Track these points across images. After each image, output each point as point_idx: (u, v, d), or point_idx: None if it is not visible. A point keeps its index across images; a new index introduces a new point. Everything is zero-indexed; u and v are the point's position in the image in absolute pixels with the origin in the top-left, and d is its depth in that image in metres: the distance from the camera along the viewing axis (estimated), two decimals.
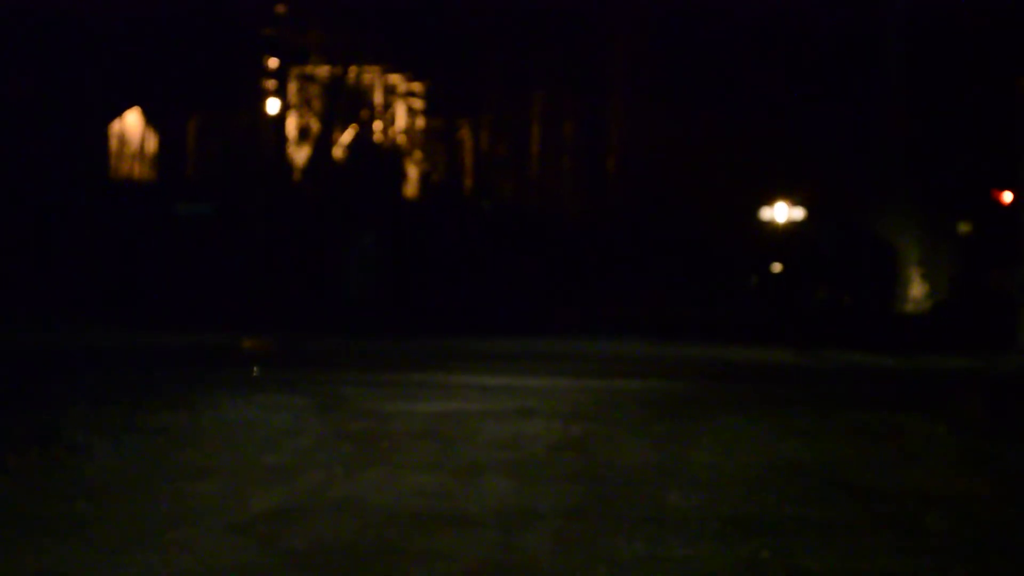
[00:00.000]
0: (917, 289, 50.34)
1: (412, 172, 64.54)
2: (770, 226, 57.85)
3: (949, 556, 9.87)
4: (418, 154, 65.24)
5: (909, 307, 52.66)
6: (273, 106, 55.74)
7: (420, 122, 66.87)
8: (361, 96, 61.38)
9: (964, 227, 47.83)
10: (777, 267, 61.75)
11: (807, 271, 56.86)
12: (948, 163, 49.57)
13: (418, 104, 66.36)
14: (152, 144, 56.10)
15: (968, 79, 48.67)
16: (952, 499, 11.98)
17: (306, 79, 61.35)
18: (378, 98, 63.01)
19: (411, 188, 64.05)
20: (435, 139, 65.85)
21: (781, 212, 56.13)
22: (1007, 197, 43.02)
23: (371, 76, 62.52)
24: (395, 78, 64.79)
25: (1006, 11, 46.16)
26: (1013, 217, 41.53)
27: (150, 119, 55.25)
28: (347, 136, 59.67)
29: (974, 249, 48.02)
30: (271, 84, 57.04)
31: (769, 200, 55.59)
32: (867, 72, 52.90)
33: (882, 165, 51.30)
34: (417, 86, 66.00)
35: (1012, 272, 38.89)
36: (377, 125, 62.76)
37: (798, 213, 56.45)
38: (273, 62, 56.75)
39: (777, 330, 43.26)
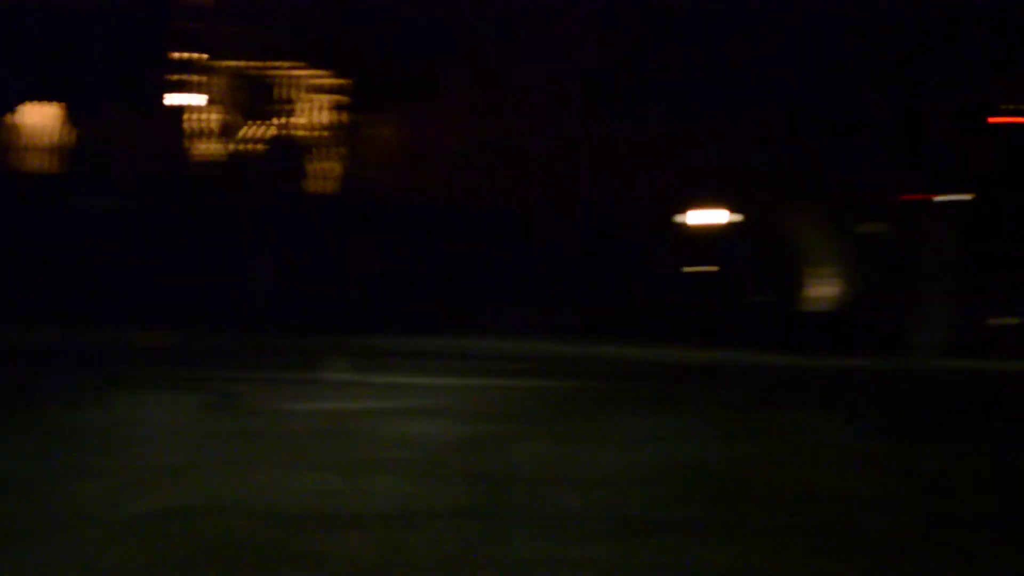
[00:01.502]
0: (820, 289, 50.68)
1: (325, 167, 64.34)
2: (691, 227, 58.28)
3: (847, 556, 9.82)
4: (331, 149, 65.06)
5: (812, 306, 53.06)
6: (183, 99, 55.28)
7: (334, 117, 66.72)
8: (273, 91, 61.08)
9: (869, 227, 48.25)
10: (699, 268, 62.31)
11: (728, 271, 57.33)
12: (855, 164, 49.99)
13: (332, 99, 66.20)
14: (60, 137, 55.50)
15: (876, 82, 49.10)
16: (848, 499, 11.97)
17: (222, 73, 60.96)
18: (291, 93, 62.74)
19: (330, 183, 63.84)
20: (348, 134, 65.73)
21: (702, 214, 56.57)
22: (912, 198, 43.42)
23: (285, 71, 62.24)
24: (314, 72, 64.59)
25: (923, 11, 46.58)
26: (917, 218, 41.94)
27: (58, 111, 54.64)
28: (258, 130, 59.30)
29: (879, 249, 48.47)
30: (181, 77, 56.58)
31: (690, 201, 55.97)
32: (774, 73, 53.26)
33: (789, 166, 51.66)
34: (331, 81, 65.84)
35: (916, 273, 39.31)
36: (289, 120, 62.49)
37: (719, 215, 56.91)
38: (183, 55, 56.28)
39: (686, 329, 43.48)
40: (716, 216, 55.69)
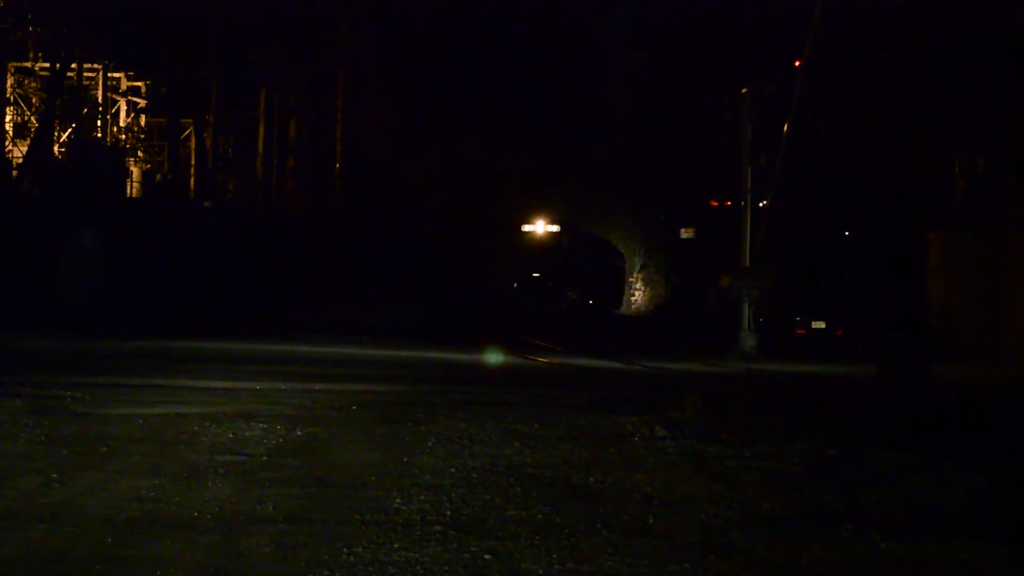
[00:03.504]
0: (641, 293, 51.40)
1: (135, 171, 63.43)
2: (529, 236, 58.71)
3: (668, 557, 10.06)
4: (141, 153, 64.18)
5: (633, 310, 53.72)
6: None
7: (143, 120, 65.84)
8: (82, 93, 60.07)
9: (686, 233, 49.01)
10: (536, 274, 62.85)
11: (560, 277, 57.86)
12: (674, 172, 50.74)
13: (141, 102, 65.32)
14: None
15: (693, 89, 49.84)
16: (671, 500, 12.21)
17: (24, 74, 59.80)
18: (100, 95, 61.76)
19: (134, 187, 62.94)
20: (159, 138, 64.93)
21: (538, 225, 57.04)
22: (721, 204, 44.21)
23: (93, 73, 61.26)
24: (117, 75, 63.62)
25: (730, 22, 47.38)
26: (735, 224, 42.65)
27: None
28: (67, 134, 58.30)
29: (698, 254, 49.27)
30: None
31: (528, 213, 56.40)
32: (596, 83, 53.82)
33: (612, 175, 52.25)
34: (140, 84, 64.94)
35: (735, 276, 39.87)
36: (99, 123, 61.52)
37: (551, 226, 57.41)
38: None
39: (511, 333, 43.80)
40: (542, 227, 56.26)
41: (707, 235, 48.20)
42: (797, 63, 40.73)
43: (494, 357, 33.24)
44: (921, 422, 18.41)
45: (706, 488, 12.87)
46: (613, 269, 54.54)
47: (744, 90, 41.75)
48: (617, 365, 31.97)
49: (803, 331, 42.24)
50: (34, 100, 59.66)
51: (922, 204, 20.57)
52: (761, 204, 42.18)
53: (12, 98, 58.82)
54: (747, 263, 40.67)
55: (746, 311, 39.25)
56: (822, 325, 42.23)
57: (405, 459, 14.06)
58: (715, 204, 44.75)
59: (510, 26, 53.91)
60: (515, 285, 65.25)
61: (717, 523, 11.27)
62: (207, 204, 59.99)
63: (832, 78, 42.20)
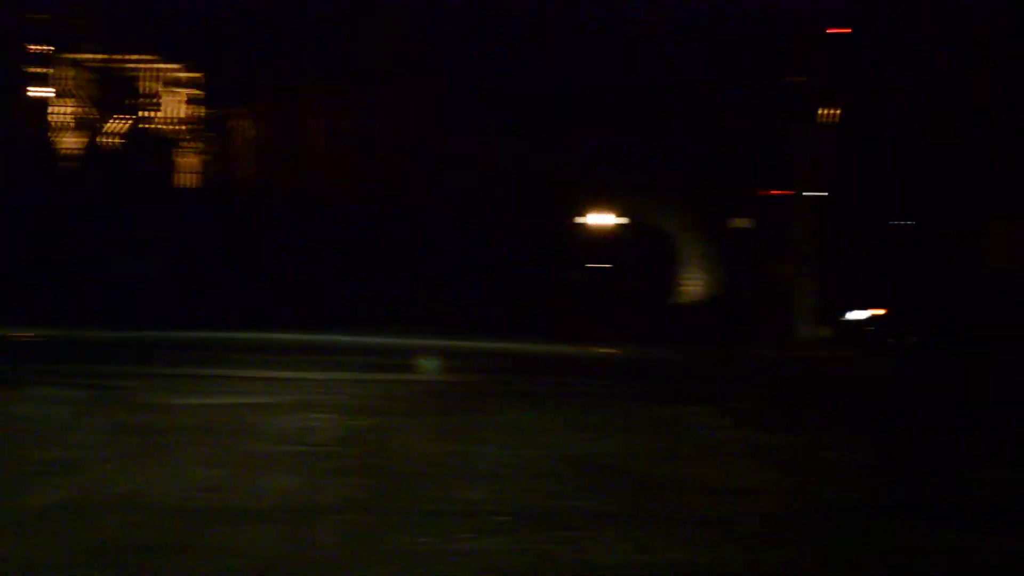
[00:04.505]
0: (694, 282, 51.25)
1: (186, 161, 63.68)
2: (589, 228, 58.72)
3: (735, 547, 9.99)
4: (192, 143, 64.42)
5: (686, 300, 53.55)
6: (42, 92, 54.53)
7: (194, 111, 66.05)
8: (133, 84, 60.38)
9: (741, 223, 48.82)
10: (597, 266, 62.92)
11: (619, 268, 57.80)
12: (725, 162, 50.55)
13: (193, 92, 65.53)
14: None
15: (739, 80, 49.66)
16: (736, 490, 12.15)
17: (76, 65, 60.12)
18: (150, 87, 62.03)
19: (185, 177, 63.19)
20: (209, 128, 65.12)
21: (597, 217, 57.04)
22: (779, 194, 44.02)
23: (143, 64, 61.53)
24: (169, 66, 63.88)
25: (777, 11, 47.18)
26: (786, 213, 42.51)
27: None
28: (118, 124, 58.59)
29: (753, 244, 49.08)
30: (40, 70, 55.77)
31: (587, 205, 56.37)
32: (646, 76, 53.65)
33: (664, 165, 52.14)
34: (191, 75, 65.15)
35: (789, 266, 39.81)
36: (150, 113, 61.80)
37: (611, 217, 57.40)
38: (41, 47, 55.47)
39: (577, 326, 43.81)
40: (601, 218, 56.26)
41: (762, 225, 48.01)
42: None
43: (554, 347, 33.24)
44: (989, 411, 18.29)
45: (771, 478, 12.82)
46: (668, 259, 54.43)
47: (798, 80, 41.58)
48: (672, 355, 31.89)
49: (861, 320, 41.97)
50: (87, 91, 59.98)
51: (986, 191, 20.45)
52: (818, 194, 42.01)
53: (65, 89, 59.15)
54: (803, 252, 40.53)
55: (803, 302, 39.15)
56: (880, 313, 41.94)
57: (469, 449, 14.07)
58: (770, 193, 44.55)
59: (563, 14, 53.81)
60: (575, 276, 65.28)
61: (782, 513, 11.20)
62: (259, 194, 60.15)
63: (896, 62, 41.99)
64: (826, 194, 42.86)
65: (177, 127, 64.08)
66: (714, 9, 51.56)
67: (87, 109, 58.74)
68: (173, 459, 12.99)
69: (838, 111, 41.48)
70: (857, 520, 10.95)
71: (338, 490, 11.65)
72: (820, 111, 41.99)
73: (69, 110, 60.04)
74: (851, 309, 39.61)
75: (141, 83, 62.02)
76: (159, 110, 62.80)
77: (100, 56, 56.89)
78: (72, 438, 14.13)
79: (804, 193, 41.27)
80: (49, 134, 54.99)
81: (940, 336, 33.40)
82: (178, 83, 65.03)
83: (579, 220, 58.27)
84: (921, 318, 34.60)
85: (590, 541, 10.02)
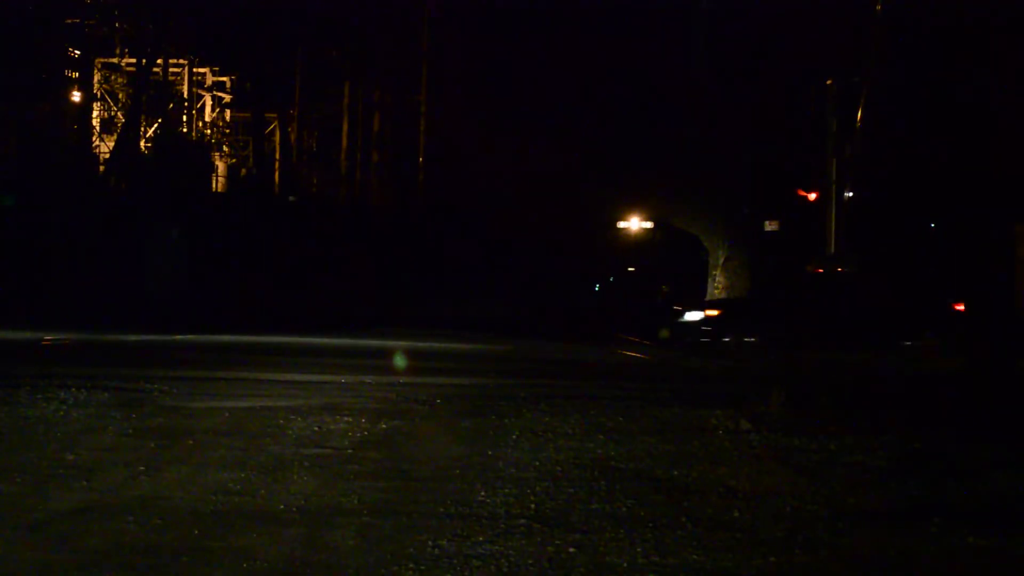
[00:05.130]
0: (724, 285, 51.16)
1: (220, 165, 63.93)
2: (623, 233, 58.80)
3: (753, 550, 10.01)
4: (226, 148, 64.66)
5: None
6: (76, 97, 54.78)
7: (228, 115, 66.30)
8: (167, 88, 60.62)
9: (771, 226, 48.71)
10: (630, 268, 62.96)
11: (653, 271, 57.85)
12: (757, 164, 50.51)
13: (226, 97, 65.78)
14: None
15: (776, 82, 49.57)
16: (756, 494, 12.14)
17: (111, 70, 60.40)
18: (185, 91, 62.27)
19: (219, 182, 63.43)
20: (243, 132, 65.36)
21: (632, 221, 57.09)
22: (812, 196, 43.95)
23: (178, 68, 61.77)
24: (203, 70, 64.13)
25: (814, 12, 47.10)
26: (819, 216, 42.45)
27: None
28: (153, 129, 58.83)
29: (783, 247, 48.98)
30: (75, 74, 56.03)
31: (621, 209, 56.41)
32: (675, 80, 53.62)
33: (692, 169, 52.09)
34: (225, 79, 65.40)
35: (820, 264, 39.73)
36: (184, 118, 62.03)
37: (644, 222, 57.43)
38: (77, 52, 55.73)
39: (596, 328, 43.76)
40: (636, 223, 56.32)
41: (792, 228, 47.93)
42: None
43: (581, 352, 33.24)
44: (1009, 415, 18.25)
45: (791, 482, 12.80)
46: (699, 263, 54.41)
47: (829, 81, 41.57)
48: (695, 359, 31.81)
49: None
50: (120, 96, 60.29)
51: (1012, 195, 20.42)
52: (846, 196, 41.96)
53: (99, 94, 59.45)
54: (832, 253, 40.52)
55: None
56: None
57: (489, 452, 14.08)
58: (801, 194, 44.47)
59: (596, 18, 53.80)
60: (610, 279, 65.47)
61: (802, 517, 11.20)
62: (292, 198, 60.37)
63: (920, 69, 41.96)
64: (856, 196, 42.86)
65: (212, 131, 64.35)
66: (748, 10, 51.49)
67: (122, 113, 59.00)
68: (194, 462, 13.04)
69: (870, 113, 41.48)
70: (874, 524, 10.94)
71: (359, 493, 11.69)
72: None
73: (105, 114, 60.33)
74: (690, 310, 39.26)
75: (177, 87, 62.28)
76: (194, 114, 63.06)
77: (134, 60, 57.11)
78: (93, 441, 14.19)
79: (834, 194, 41.31)
80: (85, 138, 55.24)
81: (775, 336, 33.35)
82: (213, 87, 65.30)
83: (619, 225, 58.34)
84: (759, 319, 34.32)
85: (607, 544, 10.05)
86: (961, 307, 34.14)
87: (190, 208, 50.97)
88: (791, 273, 43.71)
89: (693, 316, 35.46)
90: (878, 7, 42.51)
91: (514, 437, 15.19)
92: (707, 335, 34.40)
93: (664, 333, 38.00)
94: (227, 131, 65.86)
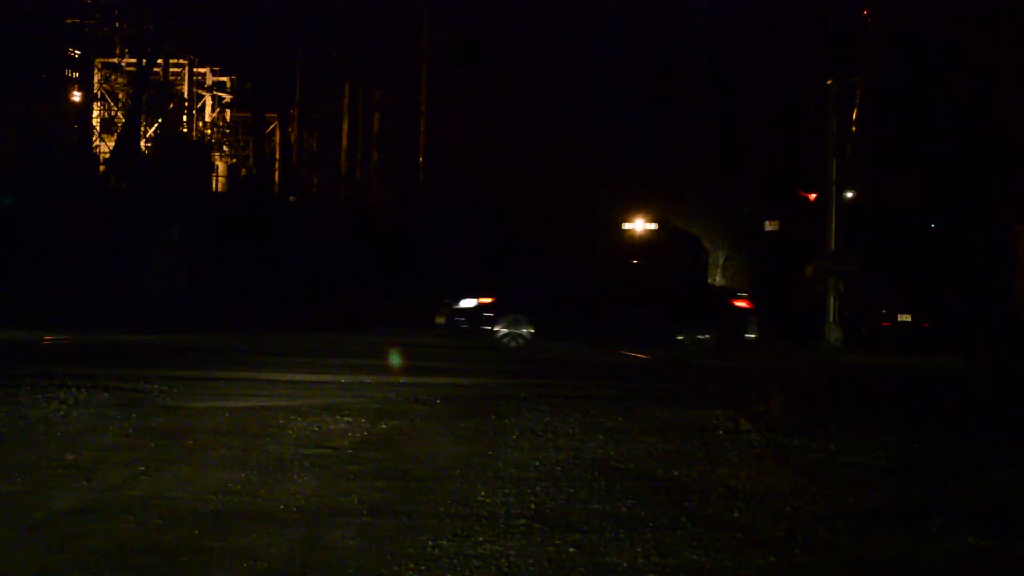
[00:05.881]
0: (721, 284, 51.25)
1: (220, 165, 63.94)
2: (627, 234, 58.86)
3: (753, 550, 10.02)
4: (226, 147, 64.67)
5: None
6: (76, 96, 54.76)
7: (228, 115, 66.31)
8: (168, 88, 60.62)
9: (771, 226, 48.77)
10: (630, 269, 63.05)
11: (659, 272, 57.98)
12: (758, 165, 50.58)
13: (226, 97, 65.79)
14: None
15: (776, 81, 49.62)
16: (756, 494, 12.14)
17: (111, 70, 60.41)
18: (185, 90, 62.28)
19: (219, 182, 63.45)
20: (243, 132, 65.38)
21: (636, 223, 57.16)
22: (812, 196, 43.96)
23: (178, 68, 61.77)
24: (203, 70, 64.15)
25: (813, 14, 47.16)
26: (819, 217, 42.45)
27: None
28: (153, 129, 58.83)
29: (782, 247, 49.03)
30: (75, 74, 56.00)
31: (625, 211, 56.47)
32: (677, 82, 53.71)
33: (694, 169, 52.16)
34: (225, 79, 65.42)
35: (819, 262, 39.72)
36: (184, 118, 62.04)
37: (648, 223, 57.48)
38: (77, 52, 55.71)
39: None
40: (640, 224, 56.35)
41: (792, 228, 47.96)
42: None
43: (582, 351, 33.20)
44: (1009, 415, 18.24)
45: (791, 482, 12.79)
46: (700, 264, 54.48)
47: (829, 81, 41.56)
48: (696, 359, 31.81)
49: (888, 324, 41.81)
50: (120, 95, 60.32)
51: (1012, 195, 20.40)
52: (847, 196, 41.96)
53: (99, 94, 59.47)
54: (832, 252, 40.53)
55: (831, 304, 39.03)
56: (908, 318, 41.75)
57: (489, 452, 14.07)
58: (801, 194, 44.47)
59: (597, 18, 53.86)
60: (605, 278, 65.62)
61: (802, 517, 11.19)
62: (292, 198, 60.37)
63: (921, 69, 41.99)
64: (856, 196, 42.86)
65: (212, 131, 64.36)
66: (748, 10, 51.56)
67: (122, 113, 59.02)
68: (194, 462, 13.02)
69: (868, 114, 41.52)
70: (874, 524, 10.93)
71: (359, 493, 11.68)
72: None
73: (104, 113, 60.35)
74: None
75: (177, 87, 62.29)
76: (194, 114, 63.06)
77: (134, 60, 57.12)
78: (93, 441, 14.17)
79: (834, 194, 41.28)
80: (85, 137, 55.23)
81: (543, 330, 33.40)
82: (213, 87, 65.32)
83: (624, 226, 58.39)
84: (538, 307, 34.12)
85: (607, 544, 10.05)
86: (741, 303, 33.99)
87: (190, 208, 50.96)
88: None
89: (467, 303, 34.98)
90: (878, 8, 42.53)
91: (514, 437, 15.19)
92: (470, 323, 34.14)
93: (440, 319, 37.67)
94: (227, 131, 65.88)
